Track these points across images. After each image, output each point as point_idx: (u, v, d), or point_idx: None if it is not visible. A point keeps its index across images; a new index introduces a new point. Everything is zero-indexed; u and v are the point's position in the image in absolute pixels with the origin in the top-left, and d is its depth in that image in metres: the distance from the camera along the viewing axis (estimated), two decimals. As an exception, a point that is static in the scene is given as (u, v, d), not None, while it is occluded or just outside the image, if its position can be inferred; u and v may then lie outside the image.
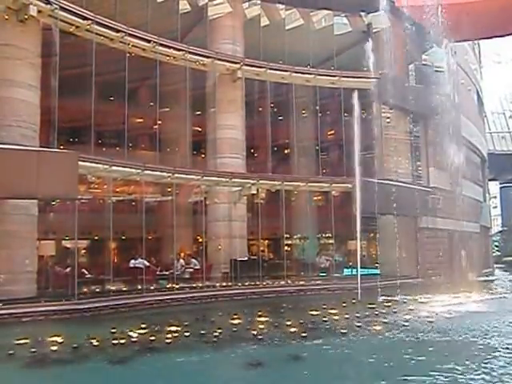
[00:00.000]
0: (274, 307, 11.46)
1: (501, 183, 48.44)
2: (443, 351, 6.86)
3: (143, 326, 8.60)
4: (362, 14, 18.22)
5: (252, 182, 15.28)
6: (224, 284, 14.25)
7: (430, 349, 6.99)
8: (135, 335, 7.90)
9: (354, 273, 17.01)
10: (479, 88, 28.69)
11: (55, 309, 10.24)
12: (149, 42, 13.79)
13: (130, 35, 13.35)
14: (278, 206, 15.69)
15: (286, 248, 18.00)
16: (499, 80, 44.04)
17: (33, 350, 6.91)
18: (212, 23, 16.16)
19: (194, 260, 15.50)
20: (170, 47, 14.30)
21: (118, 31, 13.13)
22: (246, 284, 14.21)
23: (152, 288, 12.94)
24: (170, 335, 7.89)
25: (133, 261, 14.16)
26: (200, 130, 18.08)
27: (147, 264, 14.11)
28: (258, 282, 14.46)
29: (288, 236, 17.90)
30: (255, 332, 7.94)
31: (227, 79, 15.91)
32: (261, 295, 13.77)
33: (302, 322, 8.79)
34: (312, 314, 9.66)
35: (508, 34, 22.69)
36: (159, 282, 13.87)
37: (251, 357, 6.55)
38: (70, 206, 11.99)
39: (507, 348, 6.84)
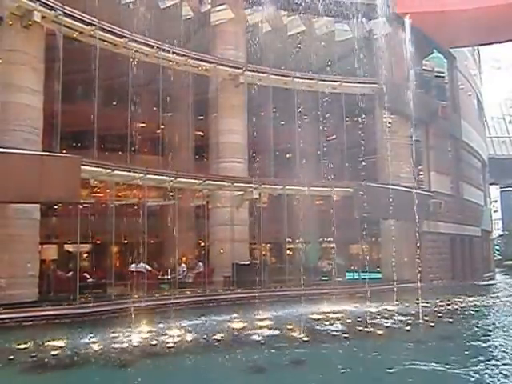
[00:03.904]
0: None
1: (501, 187, 48.46)
2: None
3: (144, 330, 8.60)
4: (363, 20, 18.33)
5: (254, 186, 15.30)
6: (226, 288, 14.22)
7: None
8: (136, 339, 7.89)
9: (357, 277, 17.01)
10: (479, 93, 28.80)
11: (57, 313, 10.23)
12: (152, 47, 13.89)
13: (134, 41, 13.45)
14: (280, 210, 15.70)
15: (287, 252, 17.97)
16: (499, 85, 44.19)
17: (33, 354, 6.89)
18: (214, 29, 16.27)
19: (199, 263, 15.52)
20: (172, 53, 14.39)
21: (121, 37, 13.24)
22: (248, 288, 14.17)
23: (154, 292, 12.92)
24: (170, 339, 7.88)
25: (133, 265, 14.15)
26: (202, 134, 18.15)
27: (148, 268, 14.11)
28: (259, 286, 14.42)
29: (290, 240, 17.86)
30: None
31: (230, 84, 15.99)
32: (262, 299, 13.71)
33: None
34: None
35: (507, 41, 22.81)
36: (161, 286, 13.85)
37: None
38: (72, 210, 12.00)
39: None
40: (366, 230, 17.22)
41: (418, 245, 16.85)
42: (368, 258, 19.55)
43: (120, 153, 15.22)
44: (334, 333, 8.51)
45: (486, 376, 5.78)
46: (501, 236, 46.32)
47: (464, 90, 24.30)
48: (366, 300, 13.02)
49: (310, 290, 14.75)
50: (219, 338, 7.97)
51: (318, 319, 10.03)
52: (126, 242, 15.84)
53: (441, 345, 7.80)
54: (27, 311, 9.98)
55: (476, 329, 9.46)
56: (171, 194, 14.54)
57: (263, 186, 15.63)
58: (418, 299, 12.18)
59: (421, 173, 19.94)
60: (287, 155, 18.72)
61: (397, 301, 12.57)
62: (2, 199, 10.24)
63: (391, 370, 6.09)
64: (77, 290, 11.00)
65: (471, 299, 14.14)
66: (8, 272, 10.64)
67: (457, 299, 13.68)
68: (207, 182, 14.82)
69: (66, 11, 11.91)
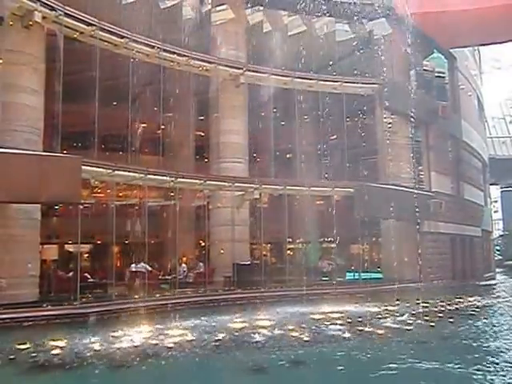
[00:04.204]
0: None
1: (502, 187, 48.47)
2: None
3: (145, 330, 8.61)
4: (364, 20, 18.34)
5: (255, 186, 15.32)
6: (226, 288, 14.22)
7: None
8: (136, 339, 7.90)
9: (357, 277, 17.01)
10: (479, 93, 28.80)
11: (57, 313, 10.24)
12: (153, 47, 13.90)
13: (134, 41, 13.46)
14: (281, 210, 15.70)
15: (288, 252, 17.98)
16: (499, 85, 44.13)
17: (33, 355, 6.90)
18: (215, 29, 16.27)
19: (200, 264, 15.56)
20: (173, 53, 14.40)
21: (122, 37, 13.24)
22: (248, 288, 14.17)
23: (155, 292, 12.92)
24: (171, 339, 7.89)
25: (133, 265, 14.16)
26: (203, 134, 18.13)
27: (149, 268, 14.11)
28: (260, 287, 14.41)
29: (290, 240, 17.87)
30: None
31: (230, 84, 15.99)
32: (263, 299, 13.72)
33: None
34: None
35: (507, 41, 22.81)
36: (161, 286, 13.86)
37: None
38: (72, 211, 12.00)
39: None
40: (367, 230, 17.23)
41: (419, 245, 16.88)
42: (368, 258, 19.58)
43: (121, 153, 15.24)
44: (335, 333, 8.52)
45: (482, 375, 5.79)
46: (501, 236, 46.32)
47: (464, 91, 24.30)
48: (366, 300, 13.04)
49: (311, 290, 14.75)
50: (220, 338, 7.99)
51: (319, 319, 10.04)
52: (126, 242, 15.87)
53: (441, 344, 7.80)
54: (28, 311, 9.98)
55: (478, 328, 9.47)
56: (172, 194, 14.56)
57: (264, 186, 15.64)
58: (418, 299, 12.20)
59: (421, 173, 19.94)
60: (288, 155, 18.73)
61: (397, 301, 12.57)
62: (3, 199, 10.25)
63: (392, 371, 6.10)
64: (77, 290, 11.00)
65: (472, 299, 14.15)
66: (9, 272, 10.64)
67: (458, 299, 13.68)
68: (208, 182, 14.83)
69: (66, 11, 11.90)
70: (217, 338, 7.97)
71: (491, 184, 34.72)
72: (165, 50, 14.14)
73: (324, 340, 7.99)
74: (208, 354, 7.11)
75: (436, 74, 19.99)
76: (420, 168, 19.89)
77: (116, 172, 12.48)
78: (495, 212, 44.38)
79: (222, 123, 16.03)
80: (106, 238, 13.15)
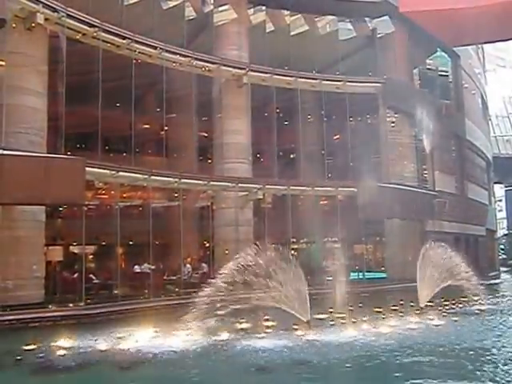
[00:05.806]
0: None
1: (506, 186, 48.20)
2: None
3: (151, 330, 8.61)
4: (367, 19, 18.30)
5: (258, 186, 15.32)
6: (231, 288, 14.22)
7: None
8: (142, 340, 7.90)
9: (361, 276, 16.99)
10: (483, 92, 28.68)
11: (63, 314, 10.28)
12: (155, 48, 13.92)
13: (137, 42, 13.48)
14: (285, 210, 15.70)
15: (292, 252, 17.97)
16: (503, 84, 43.87)
17: (40, 355, 6.93)
18: (217, 29, 16.27)
19: (204, 264, 15.59)
20: (176, 54, 14.43)
21: (124, 38, 13.26)
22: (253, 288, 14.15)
23: (160, 293, 12.95)
24: (175, 339, 7.88)
25: (136, 266, 14.20)
26: (206, 135, 18.16)
27: (152, 267, 14.14)
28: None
29: (294, 240, 17.87)
30: None
31: (233, 85, 15.99)
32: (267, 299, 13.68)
33: None
34: None
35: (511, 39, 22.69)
36: (166, 286, 13.89)
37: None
38: (77, 212, 12.04)
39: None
40: (371, 229, 17.19)
41: (423, 244, 16.72)
42: (372, 257, 19.54)
43: (124, 154, 15.27)
44: (337, 332, 8.50)
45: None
46: (505, 235, 46.09)
47: (468, 89, 24.20)
48: (370, 300, 12.99)
49: (314, 289, 14.70)
50: (224, 339, 7.99)
51: (323, 319, 10.02)
52: (131, 243, 15.92)
53: (443, 343, 7.75)
54: (33, 312, 10.04)
55: (482, 327, 9.42)
56: (176, 195, 14.58)
57: (267, 186, 15.64)
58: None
59: (425, 172, 19.89)
60: (291, 155, 18.73)
61: (401, 300, 12.51)
62: (8, 201, 10.29)
63: (396, 373, 6.09)
64: (82, 291, 11.04)
65: (476, 298, 14.06)
66: (14, 273, 10.69)
67: (462, 298, 13.61)
68: (211, 182, 14.84)
69: (68, 13, 11.93)
70: (222, 338, 7.98)
71: (495, 183, 34.59)
72: (167, 51, 14.16)
73: (327, 339, 7.96)
74: (212, 352, 7.11)
75: (439, 73, 19.96)
76: (424, 167, 19.84)
77: (120, 173, 12.51)
78: (499, 211, 44.18)
79: (225, 124, 16.03)
80: (110, 239, 13.19)
